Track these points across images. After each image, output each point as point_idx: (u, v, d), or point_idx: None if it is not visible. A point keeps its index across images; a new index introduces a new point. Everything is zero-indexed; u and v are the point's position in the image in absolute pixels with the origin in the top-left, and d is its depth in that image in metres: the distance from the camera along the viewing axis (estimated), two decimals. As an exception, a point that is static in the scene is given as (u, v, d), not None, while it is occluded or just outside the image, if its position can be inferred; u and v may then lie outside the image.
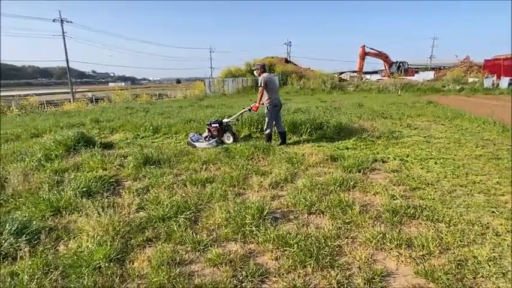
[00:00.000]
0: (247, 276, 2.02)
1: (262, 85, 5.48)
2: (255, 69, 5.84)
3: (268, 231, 2.50)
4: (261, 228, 2.58)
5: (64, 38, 33.02)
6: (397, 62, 33.89)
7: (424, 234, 2.48)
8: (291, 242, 2.35)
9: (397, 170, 4.12)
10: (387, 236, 2.44)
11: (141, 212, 2.98)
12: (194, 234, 2.55)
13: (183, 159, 4.75)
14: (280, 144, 5.71)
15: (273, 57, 31.37)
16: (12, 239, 2.41)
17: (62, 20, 32.90)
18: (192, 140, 5.96)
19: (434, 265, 2.09)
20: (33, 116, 12.57)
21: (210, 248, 2.37)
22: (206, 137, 5.97)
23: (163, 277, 1.99)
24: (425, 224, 2.66)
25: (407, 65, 34.78)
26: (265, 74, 5.60)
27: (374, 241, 2.38)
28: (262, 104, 5.67)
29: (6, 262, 2.23)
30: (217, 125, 5.95)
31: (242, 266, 2.14)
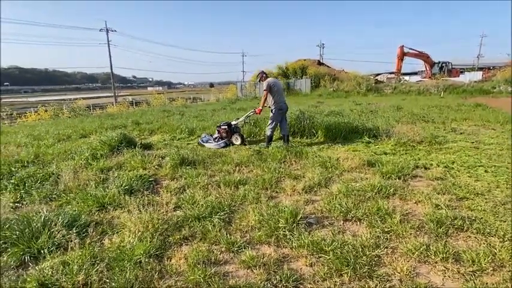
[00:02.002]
0: (281, 280, 2.00)
1: (266, 89, 5.66)
2: (258, 79, 6.11)
3: (302, 237, 2.46)
4: (294, 232, 2.55)
5: (109, 46, 35.59)
6: (439, 62, 31.73)
7: (475, 248, 2.28)
8: (326, 248, 2.29)
9: (442, 177, 3.84)
10: (431, 248, 2.28)
11: (178, 211, 3.09)
12: (228, 235, 2.59)
13: (217, 160, 4.86)
14: (285, 143, 5.74)
15: (305, 60, 30.99)
16: (64, 231, 2.61)
17: (107, 30, 35.49)
18: (202, 140, 6.34)
19: (487, 283, 1.92)
20: (82, 118, 13.65)
21: (243, 249, 2.39)
22: (216, 138, 6.26)
23: (199, 276, 2.04)
24: (476, 238, 2.45)
25: (451, 65, 32.43)
26: (269, 79, 5.82)
27: (417, 253, 2.23)
28: (266, 106, 5.87)
29: (59, 252, 2.42)
30: (226, 126, 6.24)
31: (276, 270, 2.12)
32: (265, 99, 5.74)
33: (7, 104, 42.07)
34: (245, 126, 6.80)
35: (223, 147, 5.98)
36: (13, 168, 4.57)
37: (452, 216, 2.72)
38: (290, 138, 6.42)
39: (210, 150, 5.63)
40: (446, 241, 2.40)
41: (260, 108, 5.92)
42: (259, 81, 6.06)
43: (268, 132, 5.81)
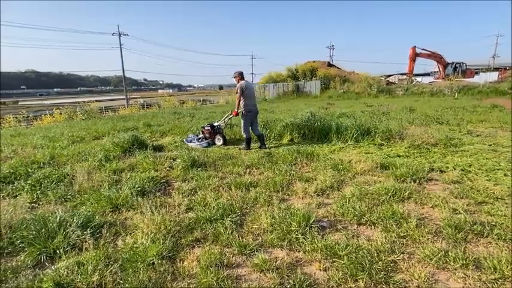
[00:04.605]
0: (294, 285, 1.97)
1: (238, 92, 5.89)
2: (233, 77, 6.17)
3: (316, 240, 2.42)
4: (307, 236, 2.51)
5: (121, 50, 36.30)
6: (453, 62, 31.03)
7: (496, 255, 2.19)
8: (340, 253, 2.24)
9: (458, 181, 3.73)
10: (450, 254, 2.20)
11: (189, 213, 3.09)
12: (240, 237, 2.57)
13: (227, 162, 4.85)
14: (260, 148, 5.98)
15: (314, 61, 30.85)
16: (79, 231, 2.65)
17: (119, 34, 36.22)
18: (187, 140, 6.65)
19: (510, 292, 1.83)
20: (95, 120, 13.92)
21: (256, 252, 2.37)
22: (199, 138, 6.60)
23: (212, 278, 2.03)
24: (497, 244, 2.36)
25: (466, 65, 31.65)
26: (242, 82, 5.98)
27: (435, 259, 2.16)
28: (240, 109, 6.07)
29: (74, 252, 2.46)
30: (210, 128, 6.53)
31: (289, 274, 2.09)
32: (239, 101, 5.97)
33: (24, 106, 43.35)
34: (226, 127, 7.06)
35: (206, 147, 6.24)
36: (30, 169, 4.68)
37: (471, 221, 2.63)
38: (298, 140, 6.40)
39: (221, 152, 5.64)
40: (465, 247, 2.32)
41: (236, 111, 6.15)
42: (233, 77, 6.19)
43: (244, 135, 6.05)
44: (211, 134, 6.51)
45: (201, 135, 6.65)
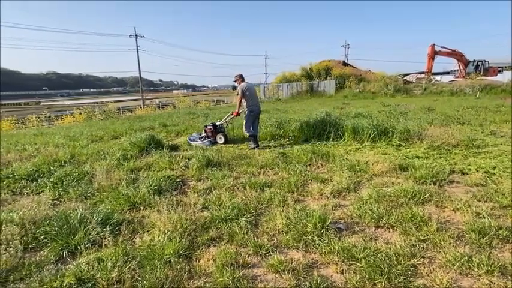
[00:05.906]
0: (311, 287, 1.95)
1: (239, 93, 6.13)
2: (234, 80, 6.38)
3: (332, 242, 2.39)
4: (323, 238, 2.48)
5: (138, 51, 37.14)
6: (474, 60, 29.81)
7: (524, 262, 2.08)
8: (358, 256, 2.20)
9: (482, 183, 3.58)
10: (474, 259, 2.12)
11: (205, 212, 3.12)
12: (255, 238, 2.57)
13: (242, 162, 4.87)
14: (252, 148, 6.03)
15: (329, 61, 30.44)
16: (98, 228, 2.72)
17: (136, 36, 37.05)
18: (190, 139, 6.86)
19: (540, 301, 1.74)
20: (112, 120, 14.30)
21: (271, 253, 2.36)
22: (202, 137, 6.79)
23: (228, 278, 2.04)
24: (524, 250, 2.24)
25: (488, 63, 30.36)
26: (243, 84, 6.21)
27: (457, 264, 2.08)
28: (242, 110, 6.32)
29: (94, 248, 2.53)
30: (212, 127, 6.77)
31: (305, 276, 2.07)
32: (240, 102, 6.20)
33: (46, 107, 45.12)
34: (228, 126, 7.22)
35: (208, 145, 6.38)
36: (52, 167, 4.85)
37: (496, 226, 2.52)
38: (313, 140, 6.36)
39: (235, 152, 5.67)
40: (490, 253, 2.22)
41: (237, 111, 6.39)
42: (234, 81, 6.40)
43: (247, 134, 6.17)
44: (213, 133, 6.72)
45: (203, 134, 6.84)
